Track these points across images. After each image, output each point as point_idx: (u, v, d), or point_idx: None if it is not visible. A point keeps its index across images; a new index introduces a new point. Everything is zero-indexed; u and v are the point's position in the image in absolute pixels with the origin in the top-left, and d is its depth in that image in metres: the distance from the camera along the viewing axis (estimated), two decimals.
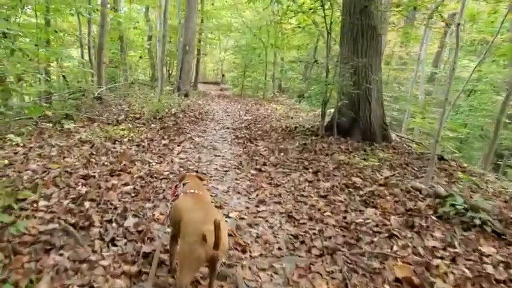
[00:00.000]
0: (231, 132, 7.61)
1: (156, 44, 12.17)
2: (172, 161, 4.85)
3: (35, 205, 2.88)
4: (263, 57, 16.34)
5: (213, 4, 19.03)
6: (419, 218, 3.34)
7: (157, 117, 7.55)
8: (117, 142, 5.28)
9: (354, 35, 7.22)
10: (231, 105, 12.61)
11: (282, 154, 5.86)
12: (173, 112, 8.28)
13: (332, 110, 8.18)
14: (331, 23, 6.89)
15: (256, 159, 5.40)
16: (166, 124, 7.17)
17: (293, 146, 6.39)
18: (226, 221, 2.98)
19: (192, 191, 2.16)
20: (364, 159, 5.68)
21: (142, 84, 15.96)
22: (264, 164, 5.19)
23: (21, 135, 5.02)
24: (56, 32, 8.85)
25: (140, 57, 18.16)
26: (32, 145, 4.81)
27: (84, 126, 6.29)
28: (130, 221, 2.85)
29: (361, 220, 3.28)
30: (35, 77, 7.48)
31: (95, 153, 4.63)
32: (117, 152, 4.81)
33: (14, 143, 4.66)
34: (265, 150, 6.17)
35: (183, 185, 2.31)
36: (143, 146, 5.28)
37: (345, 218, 3.34)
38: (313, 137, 7.14)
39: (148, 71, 18.77)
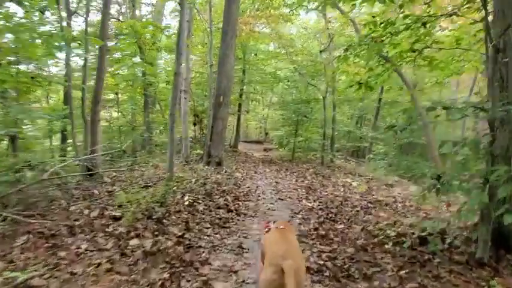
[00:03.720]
0: None
1: (181, 96, 9.20)
2: None
3: None
4: (317, 111, 12.93)
5: (255, 55, 16.56)
6: None
7: (154, 216, 4.06)
8: None
9: None
10: (282, 176, 8.86)
11: None
12: (187, 202, 4.75)
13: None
14: None
15: None
16: (164, 235, 3.62)
17: None
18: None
19: (282, 226, 2.53)
20: None
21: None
22: None
23: None
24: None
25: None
26: None
27: None
28: None
29: None
30: None
31: None
32: None
33: None
34: None
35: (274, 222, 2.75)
36: None
37: None
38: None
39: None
